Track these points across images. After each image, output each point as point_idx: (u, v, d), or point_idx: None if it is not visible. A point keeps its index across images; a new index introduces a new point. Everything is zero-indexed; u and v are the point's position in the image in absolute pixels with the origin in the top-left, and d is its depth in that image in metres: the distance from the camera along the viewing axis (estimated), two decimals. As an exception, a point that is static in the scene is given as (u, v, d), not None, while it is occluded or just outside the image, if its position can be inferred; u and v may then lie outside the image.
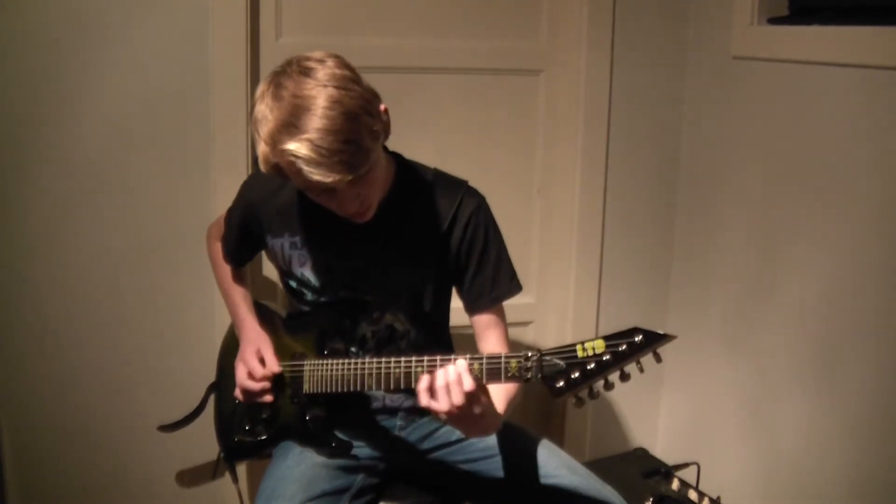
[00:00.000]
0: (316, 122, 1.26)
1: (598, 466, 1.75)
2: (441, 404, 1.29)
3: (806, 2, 1.99)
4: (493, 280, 1.58)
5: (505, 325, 1.62)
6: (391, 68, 2.13)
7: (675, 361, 2.42)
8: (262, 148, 1.32)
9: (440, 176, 1.60)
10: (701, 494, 2.06)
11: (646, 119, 2.31)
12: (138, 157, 2.01)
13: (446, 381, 1.29)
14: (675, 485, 2.11)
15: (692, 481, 2.14)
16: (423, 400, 1.31)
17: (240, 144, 2.03)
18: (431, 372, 1.32)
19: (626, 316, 2.35)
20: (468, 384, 1.28)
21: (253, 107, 1.34)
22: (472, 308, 1.60)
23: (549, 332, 2.41)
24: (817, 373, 1.92)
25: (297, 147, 1.26)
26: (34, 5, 1.88)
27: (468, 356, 1.30)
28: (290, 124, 1.27)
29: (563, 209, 2.33)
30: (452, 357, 1.32)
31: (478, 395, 1.30)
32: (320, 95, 1.28)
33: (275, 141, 1.29)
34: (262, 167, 1.35)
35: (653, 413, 2.51)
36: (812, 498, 1.95)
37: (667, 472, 2.16)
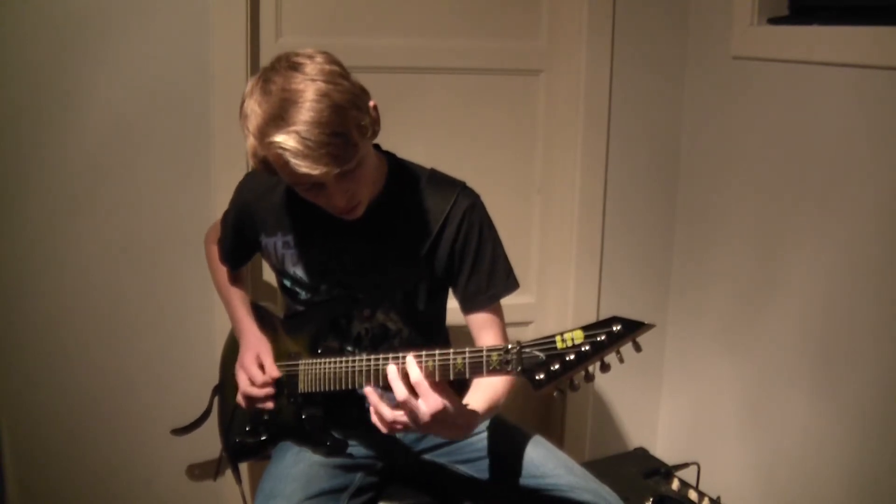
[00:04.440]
0: (303, 114, 1.27)
1: (598, 466, 1.75)
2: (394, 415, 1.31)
3: (806, 2, 1.99)
4: (489, 278, 1.57)
5: (503, 324, 1.61)
6: (391, 68, 2.14)
7: (675, 361, 2.42)
8: (251, 141, 1.33)
9: (436, 176, 1.59)
10: (701, 494, 2.06)
11: (646, 119, 2.31)
12: (138, 158, 2.02)
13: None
14: (675, 485, 2.11)
15: (692, 481, 2.14)
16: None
17: (240, 144, 2.00)
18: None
19: (625, 315, 2.35)
20: (415, 376, 1.28)
21: (242, 103, 1.35)
22: (468, 307, 1.59)
23: (549, 332, 2.40)
24: (817, 373, 1.92)
25: (284, 139, 1.27)
26: (35, 6, 1.88)
27: (451, 350, 1.29)
28: (278, 117, 1.28)
29: (563, 209, 2.33)
30: (433, 352, 1.30)
31: (424, 390, 1.28)
32: (308, 89, 1.28)
33: (262, 134, 1.30)
34: (251, 161, 1.36)
35: (653, 413, 2.51)
36: (812, 498, 1.95)
37: (667, 472, 2.16)
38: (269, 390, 1.55)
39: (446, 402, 1.29)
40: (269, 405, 1.57)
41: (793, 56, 1.93)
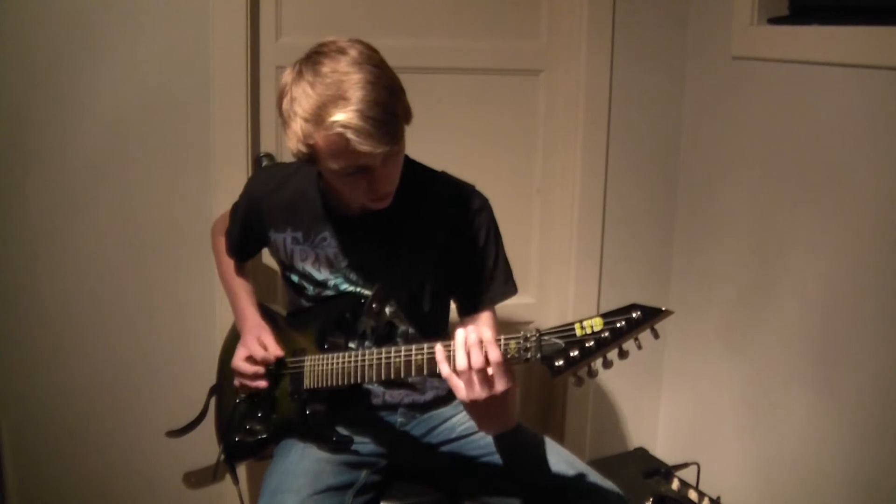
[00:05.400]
0: (363, 93, 1.29)
1: (598, 466, 1.74)
2: (463, 370, 1.26)
3: (806, 2, 2.00)
4: (490, 281, 1.58)
5: (498, 328, 1.61)
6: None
7: (675, 361, 2.42)
8: (302, 126, 1.33)
9: (447, 178, 1.61)
10: (701, 494, 2.06)
11: (646, 119, 2.31)
12: (138, 158, 2.02)
13: (466, 341, 1.26)
14: (675, 485, 2.11)
15: (692, 481, 2.14)
16: (444, 370, 1.29)
17: (240, 144, 2.03)
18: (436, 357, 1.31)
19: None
20: (494, 354, 1.25)
21: (282, 92, 1.36)
22: (465, 308, 1.60)
23: (549, 332, 2.41)
24: (817, 372, 1.92)
25: (348, 117, 1.28)
26: (35, 6, 1.88)
27: None
28: (338, 97, 1.29)
29: (563, 209, 2.33)
30: (449, 342, 1.30)
31: (501, 367, 1.26)
32: (361, 71, 1.31)
33: (320, 116, 1.30)
34: (297, 146, 1.35)
35: (653, 413, 2.51)
36: (812, 498, 1.95)
37: (667, 472, 2.16)
38: (260, 369, 1.56)
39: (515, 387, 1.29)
40: (261, 384, 1.57)
41: (793, 56, 1.93)
